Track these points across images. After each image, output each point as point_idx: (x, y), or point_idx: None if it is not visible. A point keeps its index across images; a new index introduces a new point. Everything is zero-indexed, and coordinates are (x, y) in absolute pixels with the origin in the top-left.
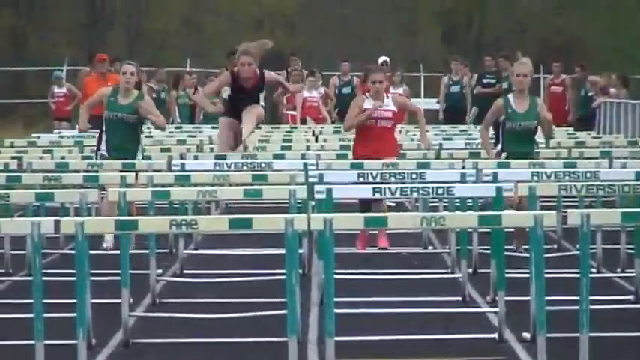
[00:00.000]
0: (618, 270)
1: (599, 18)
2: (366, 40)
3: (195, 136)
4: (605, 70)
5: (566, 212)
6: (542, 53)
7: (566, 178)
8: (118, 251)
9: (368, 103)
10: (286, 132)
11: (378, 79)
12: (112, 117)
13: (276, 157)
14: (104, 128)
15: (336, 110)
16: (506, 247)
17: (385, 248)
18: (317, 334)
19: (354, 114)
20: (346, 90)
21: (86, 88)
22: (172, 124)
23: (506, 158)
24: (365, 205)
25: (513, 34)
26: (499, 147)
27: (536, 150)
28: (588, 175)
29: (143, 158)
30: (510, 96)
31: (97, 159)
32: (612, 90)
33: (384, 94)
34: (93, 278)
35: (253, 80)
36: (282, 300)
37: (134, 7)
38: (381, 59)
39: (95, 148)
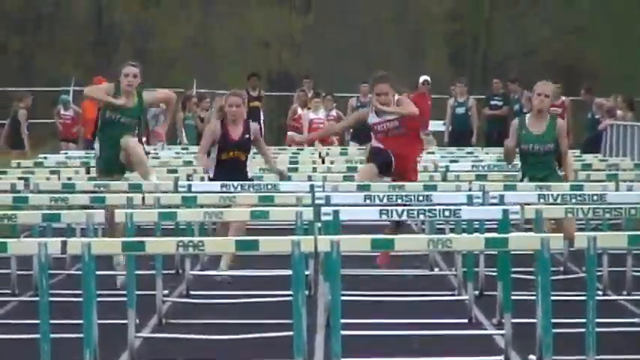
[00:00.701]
0: (624, 293)
1: (605, 41)
2: (372, 62)
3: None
4: (611, 92)
5: (573, 235)
6: (549, 76)
7: (573, 200)
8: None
9: (372, 117)
10: (293, 153)
11: (382, 91)
12: (113, 118)
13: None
14: (99, 126)
15: (351, 132)
16: (514, 269)
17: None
18: (323, 356)
19: (352, 118)
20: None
21: (84, 112)
22: (179, 144)
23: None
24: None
25: (520, 57)
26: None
27: (560, 173)
28: (595, 197)
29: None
30: (527, 116)
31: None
32: (619, 112)
33: (392, 103)
34: (99, 299)
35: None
36: (289, 322)
37: (140, 27)
38: (422, 78)
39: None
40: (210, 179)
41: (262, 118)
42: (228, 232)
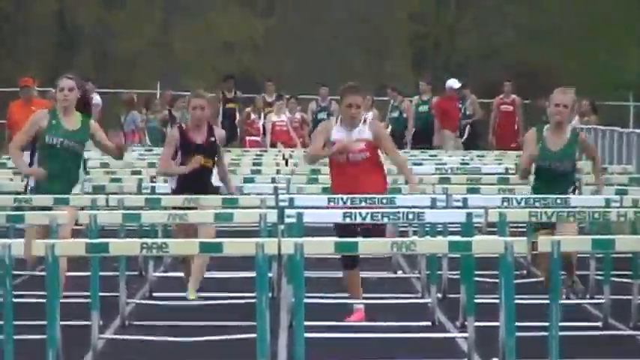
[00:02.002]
0: (587, 296)
1: (568, 45)
2: (335, 64)
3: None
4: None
5: (536, 239)
6: (510, 78)
7: (537, 204)
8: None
9: (337, 132)
10: (256, 155)
11: (355, 102)
12: (55, 143)
13: (247, 180)
14: (38, 156)
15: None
16: (477, 272)
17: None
18: (286, 358)
19: (319, 143)
20: (322, 115)
21: (10, 114)
22: (142, 146)
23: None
24: (346, 259)
25: (481, 59)
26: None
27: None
28: (559, 201)
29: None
30: (545, 128)
31: (25, 192)
32: (584, 117)
33: (361, 121)
34: (63, 300)
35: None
36: (252, 324)
37: (103, 28)
38: (449, 83)
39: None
40: (172, 190)
41: (237, 118)
42: (185, 237)
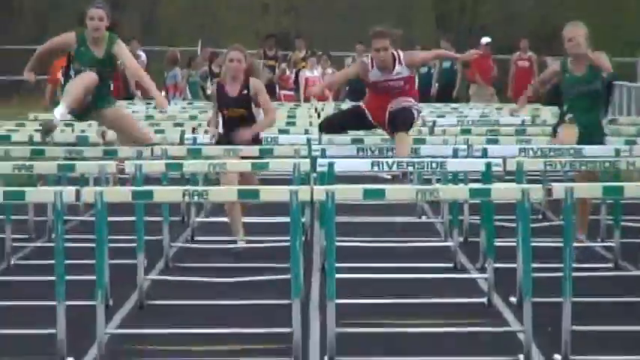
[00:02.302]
0: (599, 240)
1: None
2: (365, 24)
3: (205, 112)
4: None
5: (551, 185)
6: (530, 41)
7: (552, 153)
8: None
9: (373, 74)
10: (290, 109)
11: (382, 46)
12: (83, 70)
13: (282, 132)
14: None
15: (347, 89)
16: (496, 217)
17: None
18: (319, 296)
19: (349, 71)
20: None
21: (53, 70)
22: (184, 100)
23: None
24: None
25: (503, 23)
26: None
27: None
28: (572, 151)
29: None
30: (569, 60)
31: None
32: None
33: (396, 60)
34: (110, 244)
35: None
36: (286, 266)
37: None
38: (484, 40)
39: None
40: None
41: (285, 76)
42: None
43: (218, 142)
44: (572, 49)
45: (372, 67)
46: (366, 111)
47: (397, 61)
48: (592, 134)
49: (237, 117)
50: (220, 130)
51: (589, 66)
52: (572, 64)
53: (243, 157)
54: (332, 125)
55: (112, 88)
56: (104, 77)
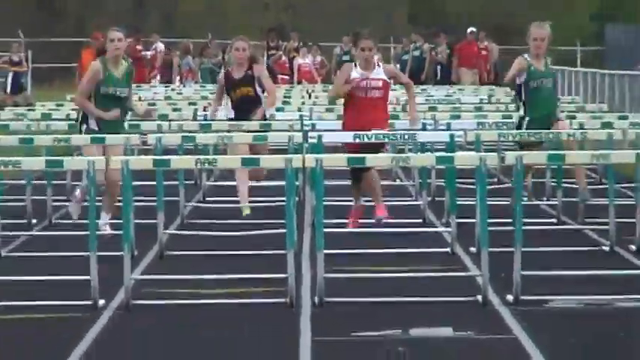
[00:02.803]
0: (544, 199)
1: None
2: (352, 19)
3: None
4: None
5: (504, 154)
6: (485, 30)
7: (504, 127)
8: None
9: (355, 73)
10: (285, 90)
11: (367, 46)
12: (109, 92)
13: (278, 109)
14: (94, 102)
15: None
16: (458, 180)
17: (381, 220)
18: (309, 248)
19: (340, 82)
20: (345, 57)
21: (83, 60)
22: (196, 83)
23: (529, 123)
24: (355, 174)
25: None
26: (521, 112)
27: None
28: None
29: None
30: (527, 56)
31: (82, 133)
32: None
33: (375, 63)
34: (135, 204)
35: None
36: (282, 221)
37: None
38: (469, 30)
39: (78, 119)
40: (229, 118)
41: (281, 62)
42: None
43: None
44: (536, 49)
45: (356, 66)
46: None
47: (377, 64)
48: (552, 115)
49: (244, 96)
50: (232, 114)
51: (545, 62)
52: (533, 60)
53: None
54: (356, 179)
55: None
56: (124, 96)
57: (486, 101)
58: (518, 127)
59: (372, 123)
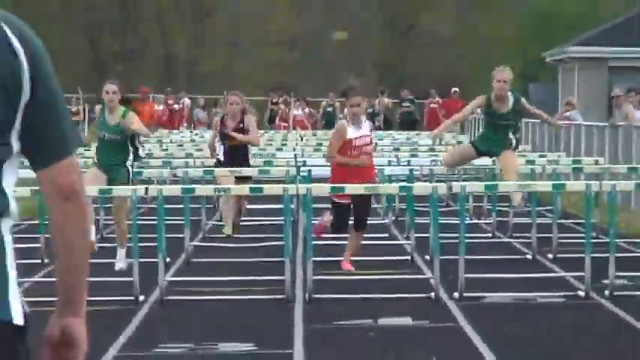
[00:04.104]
0: (482, 218)
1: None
2: (335, 79)
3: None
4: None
5: (451, 184)
6: (434, 89)
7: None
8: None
9: (351, 132)
10: (283, 135)
11: (357, 102)
12: (101, 136)
13: (278, 149)
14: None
15: (323, 122)
16: (416, 204)
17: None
18: (302, 256)
19: (338, 143)
20: (329, 109)
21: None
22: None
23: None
24: (339, 219)
25: (423, 78)
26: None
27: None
28: (472, 163)
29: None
30: (492, 97)
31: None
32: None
33: (362, 119)
34: (166, 222)
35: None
36: (281, 236)
37: (191, 58)
38: (453, 89)
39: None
40: (220, 162)
41: (279, 116)
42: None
43: (220, 166)
44: (499, 91)
45: (349, 124)
46: (343, 204)
47: (364, 121)
48: (500, 149)
49: (234, 145)
50: (222, 157)
51: (509, 104)
52: (495, 101)
53: (238, 178)
54: (340, 228)
55: (128, 155)
56: (116, 141)
57: (438, 143)
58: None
59: (363, 177)
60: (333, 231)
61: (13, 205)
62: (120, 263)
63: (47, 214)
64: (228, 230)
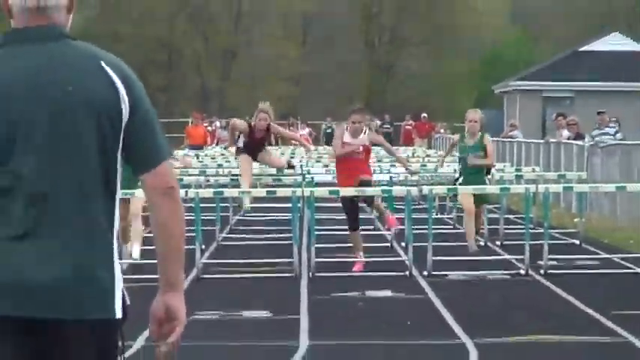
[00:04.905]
0: (445, 214)
1: (437, 91)
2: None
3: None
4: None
5: (422, 188)
6: (408, 114)
7: (422, 171)
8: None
9: (347, 137)
10: (291, 150)
11: (357, 119)
12: None
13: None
14: None
15: (325, 141)
16: (396, 203)
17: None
18: (306, 242)
19: (339, 142)
20: (329, 130)
21: (188, 132)
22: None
23: (462, 182)
24: (351, 215)
25: (400, 106)
26: (457, 174)
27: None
28: (433, 171)
29: None
30: (465, 135)
31: None
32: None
33: (362, 132)
34: (202, 218)
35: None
36: (289, 228)
37: (220, 89)
38: (422, 115)
39: None
40: (238, 148)
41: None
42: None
43: (239, 152)
44: (471, 129)
45: (347, 130)
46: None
47: (364, 132)
48: (478, 180)
49: (257, 146)
50: (241, 145)
51: (479, 139)
52: (467, 137)
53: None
54: (353, 219)
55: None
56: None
57: (411, 155)
58: (454, 183)
59: (358, 170)
60: (349, 227)
61: (118, 216)
62: (135, 254)
63: (148, 210)
64: (247, 204)
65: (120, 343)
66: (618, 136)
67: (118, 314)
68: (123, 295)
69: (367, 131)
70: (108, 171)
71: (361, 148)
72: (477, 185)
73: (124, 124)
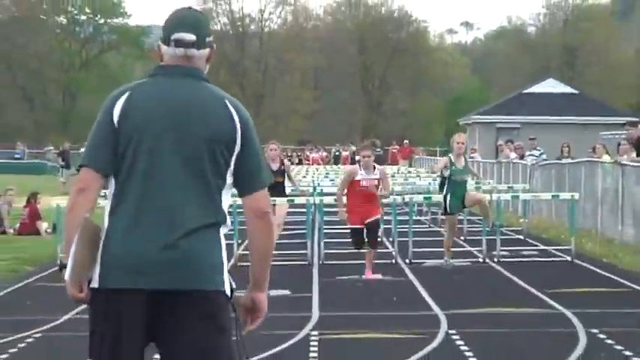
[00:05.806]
0: (422, 216)
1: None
2: (342, 130)
3: None
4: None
5: (404, 197)
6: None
7: (409, 187)
8: None
9: (361, 174)
10: (306, 168)
11: (367, 154)
12: None
13: (303, 176)
14: None
15: (333, 161)
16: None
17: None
18: (317, 237)
19: (345, 181)
20: (337, 153)
21: None
22: None
23: (450, 200)
24: (356, 237)
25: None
26: (445, 192)
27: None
28: (417, 184)
29: None
30: (451, 156)
31: None
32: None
33: (373, 166)
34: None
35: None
36: (304, 227)
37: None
38: (405, 141)
39: None
40: None
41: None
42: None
43: None
44: (458, 150)
45: (360, 169)
46: (357, 226)
47: (375, 167)
48: (463, 191)
49: (274, 183)
50: None
51: (464, 160)
52: (455, 159)
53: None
54: (358, 243)
55: None
56: None
57: (396, 172)
58: (444, 200)
59: (370, 213)
60: (355, 248)
61: (228, 218)
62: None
63: (245, 225)
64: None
65: (233, 314)
66: (542, 157)
67: (227, 291)
68: (230, 280)
69: (378, 167)
70: (219, 186)
71: (375, 182)
72: (462, 195)
73: (236, 152)
